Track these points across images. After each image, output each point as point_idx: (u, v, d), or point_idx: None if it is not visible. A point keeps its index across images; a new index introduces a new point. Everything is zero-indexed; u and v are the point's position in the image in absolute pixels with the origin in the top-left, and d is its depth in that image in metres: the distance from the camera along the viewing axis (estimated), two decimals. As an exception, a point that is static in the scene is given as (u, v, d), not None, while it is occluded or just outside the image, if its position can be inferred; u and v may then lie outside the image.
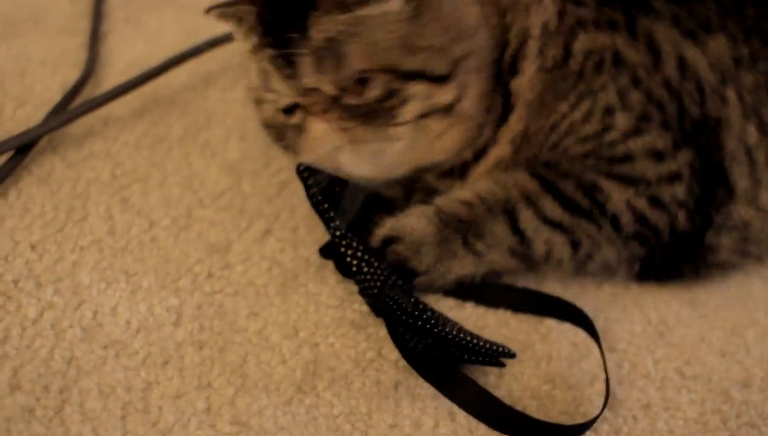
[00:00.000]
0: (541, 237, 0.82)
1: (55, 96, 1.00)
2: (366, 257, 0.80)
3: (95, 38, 1.10)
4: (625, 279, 0.86)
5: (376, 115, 0.79)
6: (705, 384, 0.79)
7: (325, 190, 0.82)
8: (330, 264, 0.85)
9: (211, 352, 0.76)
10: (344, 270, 0.83)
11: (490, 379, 0.78)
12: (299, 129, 0.82)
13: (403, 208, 0.84)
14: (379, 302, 0.78)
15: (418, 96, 0.79)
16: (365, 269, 0.80)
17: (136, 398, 0.72)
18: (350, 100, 0.78)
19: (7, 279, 0.79)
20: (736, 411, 0.77)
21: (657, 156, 0.82)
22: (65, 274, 0.81)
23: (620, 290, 0.88)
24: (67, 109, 0.96)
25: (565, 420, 0.75)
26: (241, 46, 0.84)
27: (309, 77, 0.77)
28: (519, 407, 0.75)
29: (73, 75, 1.03)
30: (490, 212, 0.82)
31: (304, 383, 0.75)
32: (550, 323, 0.83)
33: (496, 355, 0.75)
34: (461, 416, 0.74)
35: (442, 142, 0.83)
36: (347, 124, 0.79)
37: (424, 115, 0.80)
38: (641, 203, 0.82)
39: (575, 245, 0.83)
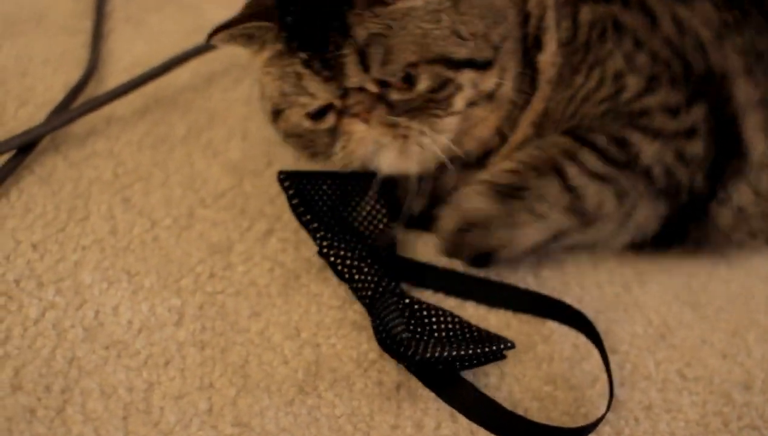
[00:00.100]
0: (590, 190, 0.83)
1: (57, 95, 1.00)
2: (356, 263, 0.80)
3: (97, 37, 1.10)
4: (645, 244, 0.88)
5: (425, 108, 0.78)
6: (706, 386, 0.79)
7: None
8: (331, 265, 0.85)
9: (212, 352, 0.76)
10: (339, 275, 0.83)
11: (491, 380, 0.78)
12: (333, 132, 0.80)
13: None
14: (374, 311, 0.78)
15: (468, 84, 0.78)
16: (356, 277, 0.80)
17: (138, 398, 0.72)
18: (396, 96, 0.77)
19: (8, 279, 0.79)
20: (738, 413, 0.77)
21: (672, 112, 0.84)
22: (67, 274, 0.81)
23: (621, 292, 0.88)
24: (69, 109, 0.96)
25: (566, 421, 0.75)
26: (252, 59, 0.83)
27: (355, 77, 0.76)
28: (520, 409, 0.75)
29: (75, 74, 1.03)
30: (540, 174, 0.83)
31: (306, 384, 0.75)
32: (552, 324, 0.83)
33: (497, 353, 0.75)
34: (463, 417, 0.74)
35: (479, 129, 0.83)
36: (394, 121, 0.77)
37: (472, 104, 0.80)
38: (669, 157, 0.84)
39: (621, 196, 0.84)
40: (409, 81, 0.77)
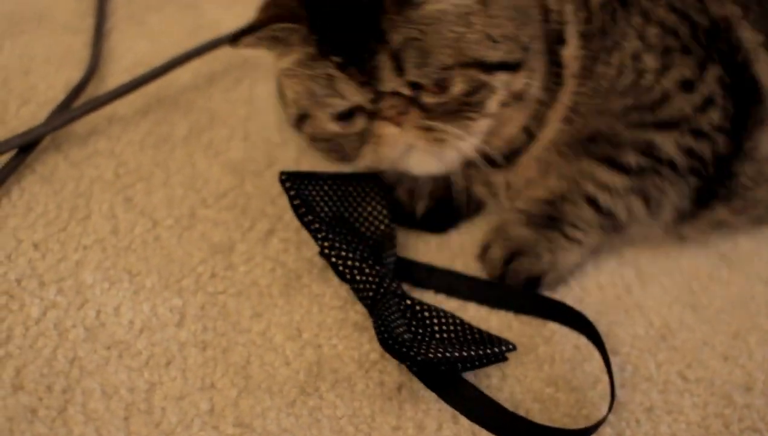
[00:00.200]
0: (620, 206, 0.87)
1: (58, 94, 1.00)
2: (357, 264, 0.80)
3: (99, 36, 1.10)
4: (688, 215, 0.90)
5: (458, 111, 0.78)
6: (707, 388, 0.80)
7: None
8: (333, 265, 0.85)
9: (214, 353, 0.76)
10: (341, 275, 0.83)
11: (493, 381, 0.78)
12: (363, 136, 0.80)
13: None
14: (375, 311, 0.78)
15: (501, 87, 0.79)
16: (358, 278, 0.80)
17: (139, 398, 0.72)
18: (430, 99, 0.77)
19: (10, 278, 0.79)
20: (739, 415, 0.77)
21: (688, 86, 0.85)
22: (68, 273, 0.81)
23: (623, 293, 0.88)
24: (71, 108, 0.96)
25: (568, 423, 0.75)
26: (275, 63, 0.82)
27: (390, 81, 0.76)
28: (522, 410, 0.75)
29: (76, 73, 1.03)
30: (572, 203, 0.88)
31: (308, 385, 0.75)
32: (553, 325, 0.83)
33: (498, 354, 0.76)
34: (464, 418, 0.74)
35: (507, 128, 0.84)
36: (429, 125, 0.77)
37: (504, 105, 0.80)
38: (687, 139, 0.85)
39: (647, 200, 0.87)
40: (441, 85, 0.77)
